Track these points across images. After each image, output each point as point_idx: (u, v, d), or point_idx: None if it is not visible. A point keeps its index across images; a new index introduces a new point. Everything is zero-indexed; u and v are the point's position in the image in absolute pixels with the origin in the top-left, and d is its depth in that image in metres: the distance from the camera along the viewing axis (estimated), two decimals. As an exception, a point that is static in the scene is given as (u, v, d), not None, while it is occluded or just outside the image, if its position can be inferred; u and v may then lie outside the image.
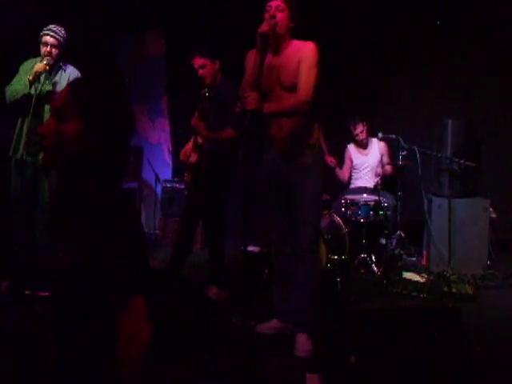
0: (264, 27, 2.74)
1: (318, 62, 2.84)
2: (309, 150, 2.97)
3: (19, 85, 3.70)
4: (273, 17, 2.80)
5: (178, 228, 4.03)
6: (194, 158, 3.79)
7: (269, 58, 2.87)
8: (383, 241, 4.83)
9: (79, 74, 3.92)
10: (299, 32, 2.93)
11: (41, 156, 3.76)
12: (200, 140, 3.76)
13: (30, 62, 3.83)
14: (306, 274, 2.91)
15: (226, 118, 3.62)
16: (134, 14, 5.89)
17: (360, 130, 5.13)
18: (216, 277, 3.82)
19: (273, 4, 2.83)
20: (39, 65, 3.66)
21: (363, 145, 5.22)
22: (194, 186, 3.86)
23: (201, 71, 3.74)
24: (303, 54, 2.83)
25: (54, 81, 3.80)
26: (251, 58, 2.89)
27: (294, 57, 2.85)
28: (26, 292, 3.56)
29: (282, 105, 2.86)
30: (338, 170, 5.17)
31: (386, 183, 5.08)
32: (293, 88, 2.84)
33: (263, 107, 2.72)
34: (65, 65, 3.89)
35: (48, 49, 3.72)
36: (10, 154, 3.79)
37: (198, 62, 3.73)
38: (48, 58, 3.71)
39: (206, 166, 3.75)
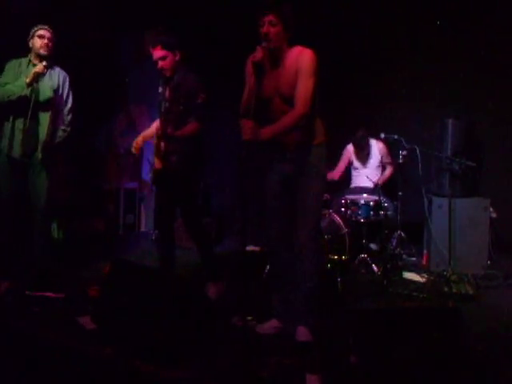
0: (257, 55, 2.77)
1: (316, 70, 2.83)
2: (314, 149, 2.97)
3: (14, 86, 3.70)
4: (266, 34, 2.80)
5: (157, 229, 4.06)
6: (158, 164, 3.66)
7: (268, 69, 2.90)
8: (374, 246, 4.84)
9: (66, 75, 3.98)
10: (299, 31, 2.93)
11: (38, 152, 3.77)
12: (162, 144, 3.62)
13: (14, 61, 3.84)
14: (304, 273, 2.91)
15: (190, 109, 3.56)
16: (134, 14, 5.89)
17: (364, 151, 5.17)
18: (210, 272, 3.79)
19: (265, 19, 2.82)
20: (39, 66, 3.67)
21: (363, 158, 5.25)
22: (163, 187, 3.79)
23: (161, 63, 3.57)
24: (300, 63, 2.82)
25: (49, 83, 3.81)
26: (251, 67, 2.88)
27: (292, 67, 2.84)
28: (26, 292, 3.56)
29: (279, 125, 2.82)
30: (328, 172, 5.17)
31: (386, 185, 5.09)
32: (292, 98, 2.84)
33: (260, 134, 2.70)
34: (53, 64, 3.91)
35: (45, 41, 3.75)
36: (2, 156, 3.77)
37: (159, 53, 3.55)
38: (44, 49, 3.73)
39: (175, 168, 3.62)
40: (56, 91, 3.86)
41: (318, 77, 2.83)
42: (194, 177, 3.74)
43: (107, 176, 6.35)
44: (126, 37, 6.46)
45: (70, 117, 3.98)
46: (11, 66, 3.84)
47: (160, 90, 3.73)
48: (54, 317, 3.23)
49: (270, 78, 2.90)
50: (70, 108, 3.98)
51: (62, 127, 3.92)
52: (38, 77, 3.67)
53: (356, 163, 5.27)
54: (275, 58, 2.91)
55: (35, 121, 3.75)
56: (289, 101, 2.85)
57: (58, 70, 3.93)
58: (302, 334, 2.88)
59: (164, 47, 3.55)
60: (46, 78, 3.80)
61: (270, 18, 2.81)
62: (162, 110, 3.68)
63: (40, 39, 3.75)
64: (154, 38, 3.62)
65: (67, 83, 3.97)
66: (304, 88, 2.80)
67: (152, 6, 5.87)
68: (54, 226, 4.80)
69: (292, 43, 2.92)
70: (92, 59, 5.33)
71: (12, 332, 3.04)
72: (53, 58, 3.86)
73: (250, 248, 4.74)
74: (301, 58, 2.83)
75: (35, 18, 3.97)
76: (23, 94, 3.67)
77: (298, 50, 2.88)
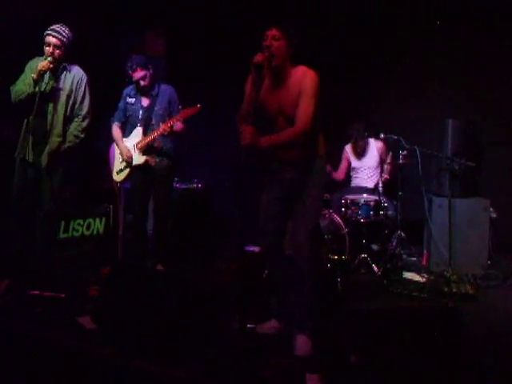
0: (258, 57, 2.76)
1: (318, 91, 2.83)
2: (317, 160, 2.99)
3: (23, 84, 3.69)
4: (268, 46, 2.79)
5: (134, 228, 4.43)
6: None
7: (271, 88, 2.90)
8: (375, 247, 4.84)
9: (84, 76, 3.89)
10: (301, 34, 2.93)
11: (43, 156, 3.76)
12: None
13: (35, 60, 3.82)
14: (301, 273, 2.90)
15: (172, 113, 4.12)
16: (134, 14, 5.90)
17: (360, 144, 5.14)
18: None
19: (269, 33, 2.81)
20: (43, 63, 3.64)
21: (360, 154, 5.22)
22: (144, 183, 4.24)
23: (142, 83, 4.07)
24: (303, 84, 2.82)
25: (57, 82, 3.79)
26: (250, 83, 2.89)
27: (295, 88, 2.84)
28: (27, 292, 3.56)
29: (279, 137, 2.84)
30: (332, 172, 5.18)
31: (386, 184, 5.10)
32: (295, 118, 2.85)
33: (259, 141, 2.71)
34: (70, 65, 3.86)
35: (51, 49, 3.70)
36: (16, 154, 3.78)
37: (140, 74, 4.03)
38: (49, 57, 3.69)
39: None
40: (68, 96, 3.82)
41: (319, 98, 2.84)
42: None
43: (107, 176, 6.34)
44: (126, 37, 6.46)
45: (85, 123, 3.87)
46: (31, 65, 3.81)
47: (132, 100, 4.18)
48: (54, 317, 3.23)
49: (273, 97, 2.91)
50: (86, 114, 3.88)
51: (75, 133, 3.84)
52: (43, 73, 3.65)
53: (354, 163, 5.27)
54: (278, 77, 2.90)
55: (42, 119, 3.73)
56: (292, 121, 2.85)
57: (74, 71, 3.86)
58: (301, 345, 2.84)
59: (143, 68, 4.03)
60: (61, 77, 3.78)
61: (274, 32, 2.81)
62: (141, 117, 4.15)
63: (46, 47, 3.72)
64: (133, 60, 4.06)
65: (82, 87, 3.87)
66: (306, 106, 2.80)
67: (152, 6, 5.87)
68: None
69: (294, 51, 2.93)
70: (92, 59, 5.32)
71: (12, 332, 3.04)
72: (67, 60, 3.84)
73: (250, 248, 4.74)
74: (304, 79, 2.83)
75: (35, 19, 3.96)
76: (31, 91, 3.65)
77: (302, 70, 2.87)
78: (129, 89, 4.24)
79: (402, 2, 5.40)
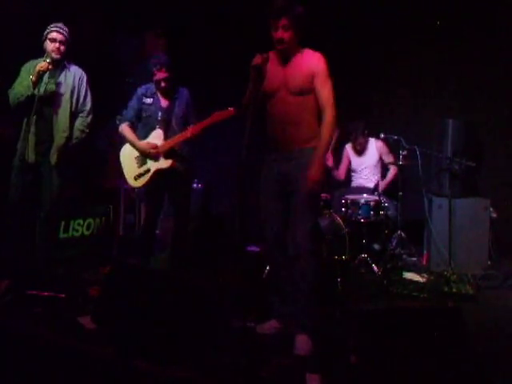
0: (257, 60, 2.83)
1: (329, 71, 2.94)
2: (314, 151, 2.99)
3: (22, 87, 3.69)
4: (281, 39, 2.88)
5: (144, 228, 4.28)
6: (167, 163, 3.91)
7: (277, 64, 2.97)
8: (377, 246, 4.84)
9: (83, 74, 3.93)
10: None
11: (51, 154, 3.76)
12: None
13: (31, 63, 3.83)
14: (301, 273, 2.91)
15: (189, 116, 3.96)
16: (134, 14, 5.90)
17: (360, 141, 5.14)
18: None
19: (279, 24, 2.86)
20: (41, 64, 3.64)
21: (360, 152, 5.23)
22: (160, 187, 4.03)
23: (164, 84, 3.87)
24: (313, 67, 2.91)
25: (58, 81, 3.79)
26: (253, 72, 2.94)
27: (302, 66, 2.93)
28: (27, 292, 3.56)
29: (324, 142, 2.93)
30: (334, 170, 5.18)
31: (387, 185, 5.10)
32: (299, 93, 2.93)
33: (320, 173, 2.88)
34: (69, 64, 3.88)
35: (57, 45, 3.73)
36: (17, 156, 3.77)
37: (163, 75, 3.85)
38: (55, 52, 3.71)
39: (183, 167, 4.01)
40: (71, 92, 3.84)
41: (331, 78, 2.96)
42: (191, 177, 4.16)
43: (107, 176, 6.35)
44: (126, 37, 6.46)
45: (89, 119, 3.92)
46: (27, 68, 3.81)
47: (149, 100, 3.95)
48: (54, 317, 3.23)
49: (277, 73, 2.98)
50: (90, 109, 3.93)
51: (80, 128, 3.87)
52: (41, 74, 3.65)
53: (354, 162, 5.28)
54: (285, 57, 2.98)
55: (44, 120, 3.74)
56: (296, 94, 2.94)
57: (74, 69, 3.89)
58: (302, 345, 2.85)
59: (167, 70, 3.84)
60: (61, 78, 3.79)
61: (284, 22, 2.85)
62: (160, 119, 3.92)
63: (51, 43, 3.73)
64: (159, 59, 3.87)
65: (84, 84, 3.91)
66: (326, 91, 2.92)
67: (152, 6, 5.87)
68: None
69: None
70: (92, 59, 5.32)
71: (12, 332, 3.04)
72: (67, 58, 3.86)
73: (250, 248, 4.74)
74: (312, 61, 2.93)
75: (35, 19, 3.96)
76: (30, 93, 3.65)
77: (310, 53, 2.96)
78: (143, 88, 3.99)
79: (402, 2, 5.40)
